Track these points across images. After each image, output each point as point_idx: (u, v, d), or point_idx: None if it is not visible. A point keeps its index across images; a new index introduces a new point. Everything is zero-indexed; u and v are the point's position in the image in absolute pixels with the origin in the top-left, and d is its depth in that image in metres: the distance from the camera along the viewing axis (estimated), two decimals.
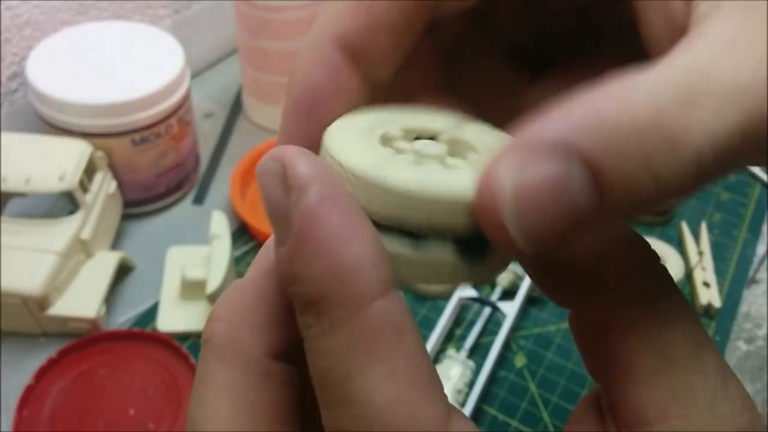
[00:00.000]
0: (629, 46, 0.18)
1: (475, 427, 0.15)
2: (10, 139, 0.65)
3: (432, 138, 0.17)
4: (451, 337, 0.64)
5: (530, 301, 0.67)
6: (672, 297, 0.16)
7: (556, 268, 0.17)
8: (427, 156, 0.16)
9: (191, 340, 0.63)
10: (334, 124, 0.17)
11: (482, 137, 0.17)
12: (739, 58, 0.13)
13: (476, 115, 0.19)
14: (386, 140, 0.17)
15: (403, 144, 0.17)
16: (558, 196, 0.13)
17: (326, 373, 0.14)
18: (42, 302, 0.60)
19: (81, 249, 0.64)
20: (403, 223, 0.15)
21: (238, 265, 0.70)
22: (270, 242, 0.17)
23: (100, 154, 0.67)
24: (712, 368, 0.15)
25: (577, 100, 0.13)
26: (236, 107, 0.89)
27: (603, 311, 0.16)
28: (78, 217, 0.63)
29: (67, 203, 0.69)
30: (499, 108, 0.20)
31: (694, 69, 0.13)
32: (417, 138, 0.17)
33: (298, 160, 0.15)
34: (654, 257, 0.17)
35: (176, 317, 0.64)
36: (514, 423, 0.59)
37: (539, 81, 0.21)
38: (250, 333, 0.16)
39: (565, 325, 0.60)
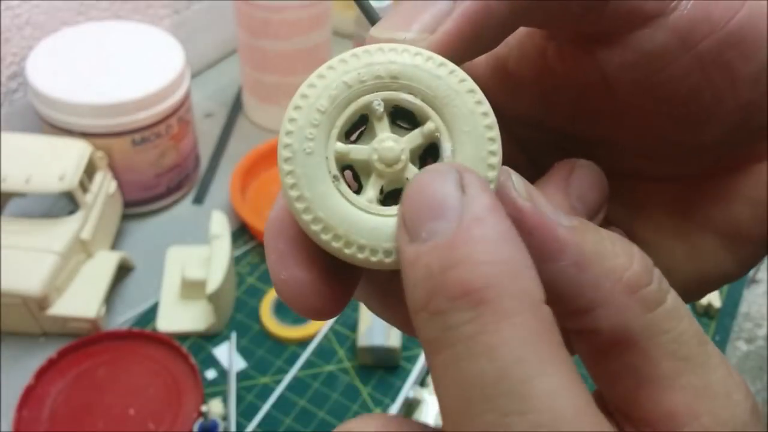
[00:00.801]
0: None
1: None
2: (10, 139, 0.65)
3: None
4: None
5: None
6: (664, 295, 0.16)
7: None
8: None
9: (191, 340, 0.63)
10: None
11: None
12: None
13: None
14: None
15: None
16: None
17: (494, 380, 0.12)
18: (42, 302, 0.60)
19: (81, 249, 0.64)
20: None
21: (238, 264, 0.70)
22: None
23: (100, 154, 0.67)
24: (718, 358, 0.16)
25: None
26: (236, 107, 0.89)
27: (606, 330, 0.16)
28: (78, 217, 0.63)
29: (67, 203, 0.69)
30: None
31: None
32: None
33: (473, 172, 0.15)
34: (641, 263, 0.16)
35: (176, 317, 0.64)
36: None
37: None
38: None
39: None
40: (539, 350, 0.13)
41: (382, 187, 0.17)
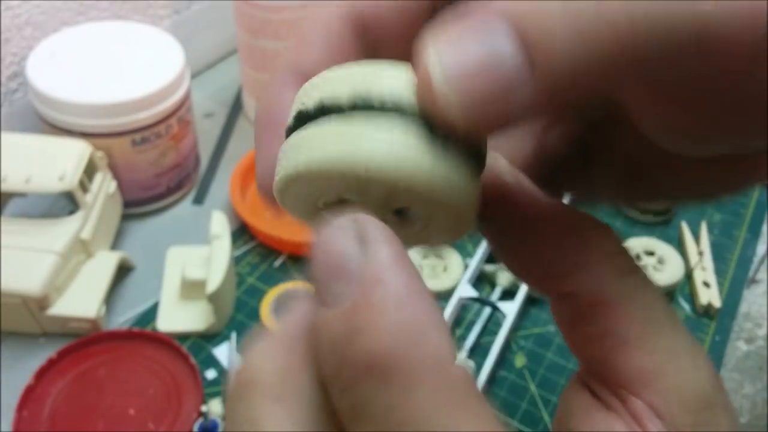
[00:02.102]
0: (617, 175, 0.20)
1: None
2: (10, 139, 0.65)
3: None
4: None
5: (530, 301, 0.67)
6: (636, 267, 0.17)
7: (519, 246, 0.18)
8: None
9: (191, 340, 0.63)
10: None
11: None
12: None
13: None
14: None
15: None
16: (489, 72, 0.13)
17: None
18: (42, 302, 0.60)
19: (81, 249, 0.64)
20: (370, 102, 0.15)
21: (238, 264, 0.70)
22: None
23: (100, 154, 0.67)
24: (682, 325, 0.17)
25: None
26: (236, 107, 0.89)
27: (585, 292, 0.17)
28: (78, 217, 0.63)
29: (67, 203, 0.69)
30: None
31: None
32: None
33: (374, 222, 0.14)
34: (615, 235, 0.18)
35: (176, 317, 0.64)
36: (515, 423, 0.59)
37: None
38: (301, 368, 0.14)
39: None
40: (453, 414, 0.12)
41: None
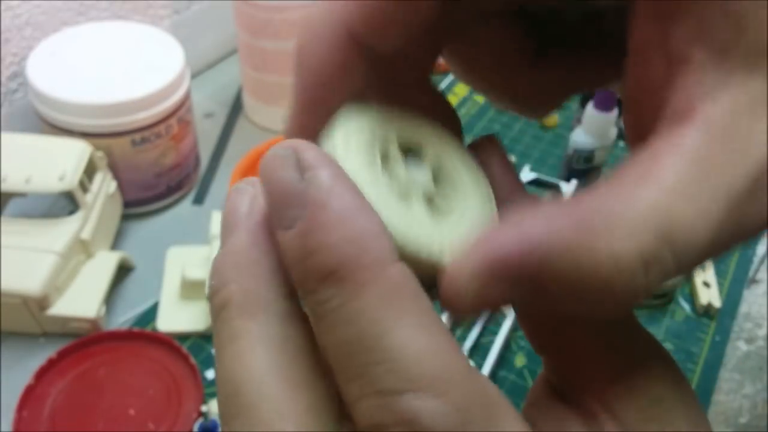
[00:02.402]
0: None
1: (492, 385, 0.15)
2: (10, 139, 0.65)
3: (419, 148, 0.19)
4: None
5: None
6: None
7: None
8: (415, 190, 0.18)
9: (191, 340, 0.63)
10: (338, 128, 0.18)
11: (462, 173, 0.19)
12: (699, 207, 0.14)
13: (477, 83, 0.21)
14: (384, 158, 0.18)
15: (398, 167, 0.18)
16: (495, 303, 0.15)
17: (355, 341, 0.14)
18: (42, 302, 0.60)
19: (81, 249, 0.64)
20: None
21: None
22: (237, 208, 0.19)
23: (100, 154, 0.67)
24: (636, 320, 0.17)
25: (545, 221, 0.15)
26: (236, 107, 0.89)
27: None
28: (78, 217, 0.63)
29: (67, 203, 0.69)
30: (499, 80, 0.21)
31: (657, 229, 0.14)
32: (408, 149, 0.19)
33: (309, 146, 0.16)
34: None
35: (176, 317, 0.64)
36: None
37: (543, 61, 0.21)
38: (264, 283, 0.17)
39: None
40: (392, 309, 0.14)
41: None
